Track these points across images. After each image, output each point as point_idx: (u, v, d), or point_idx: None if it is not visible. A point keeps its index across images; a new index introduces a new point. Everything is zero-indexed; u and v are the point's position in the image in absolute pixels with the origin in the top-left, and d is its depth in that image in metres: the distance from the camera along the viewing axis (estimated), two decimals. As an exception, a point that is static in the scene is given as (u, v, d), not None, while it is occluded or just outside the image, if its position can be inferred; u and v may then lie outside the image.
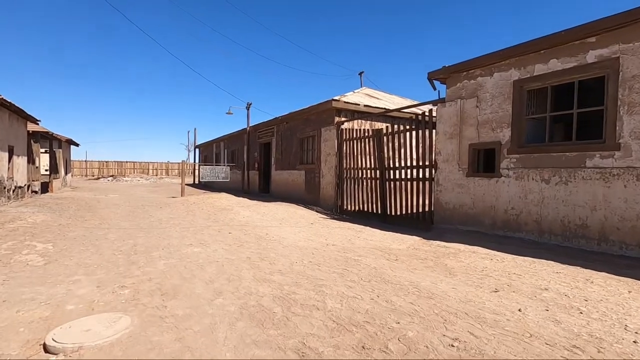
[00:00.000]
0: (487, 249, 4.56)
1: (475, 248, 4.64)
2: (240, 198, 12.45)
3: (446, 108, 6.33)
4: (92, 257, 4.39)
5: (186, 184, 19.12)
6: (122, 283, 3.38)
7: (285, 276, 3.35)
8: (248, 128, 15.64)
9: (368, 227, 6.58)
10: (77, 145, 20.91)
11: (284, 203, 10.54)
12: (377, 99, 12.17)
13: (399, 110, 9.03)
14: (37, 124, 12.41)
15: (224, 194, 13.87)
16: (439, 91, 6.64)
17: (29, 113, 10.60)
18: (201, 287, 3.11)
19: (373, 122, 10.22)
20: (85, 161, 41.42)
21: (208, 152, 24.63)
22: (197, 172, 25.69)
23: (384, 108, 10.44)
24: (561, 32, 4.63)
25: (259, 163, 15.04)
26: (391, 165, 7.86)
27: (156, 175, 42.77)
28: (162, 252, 4.54)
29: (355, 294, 2.79)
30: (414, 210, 7.16)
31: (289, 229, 6.31)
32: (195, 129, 25.57)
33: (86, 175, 39.90)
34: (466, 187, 5.94)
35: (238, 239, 5.37)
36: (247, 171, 15.81)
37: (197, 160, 26.41)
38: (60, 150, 17.73)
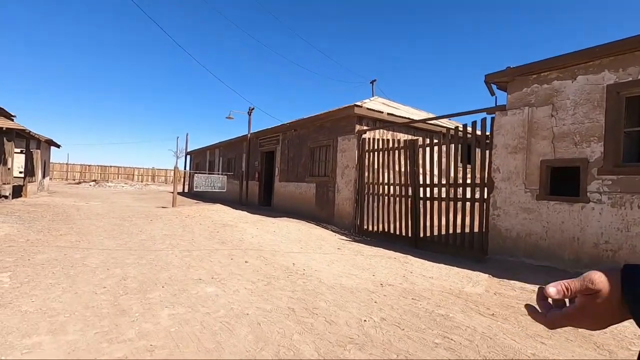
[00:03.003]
0: (595, 298, 3.48)
1: (579, 296, 3.55)
2: (240, 211, 11.16)
3: (508, 117, 5.33)
4: (63, 298, 3.11)
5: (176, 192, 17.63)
6: (107, 355, 2.15)
7: (367, 352, 2.17)
8: (249, 135, 14.44)
9: (410, 256, 5.44)
10: (58, 146, 19.26)
11: (292, 219, 9.32)
12: (396, 108, 11.21)
13: (431, 120, 8.06)
14: (12, 120, 10.95)
15: (220, 206, 12.55)
16: (496, 98, 5.65)
17: (1, 106, 9.20)
18: (241, 376, 1.90)
19: (395, 133, 9.21)
20: (67, 164, 39.22)
21: (200, 160, 23.22)
22: (187, 180, 24.19)
23: (408, 118, 9.46)
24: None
25: (259, 173, 13.81)
26: (427, 182, 6.79)
27: (141, 182, 40.81)
28: (164, 293, 3.29)
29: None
30: (456, 235, 6.08)
31: (317, 257, 5.12)
32: (187, 135, 24.18)
33: (66, 179, 37.71)
34: (536, 213, 4.90)
35: (260, 271, 4.15)
36: (246, 181, 14.53)
37: (188, 168, 24.93)
38: (39, 151, 16.12)
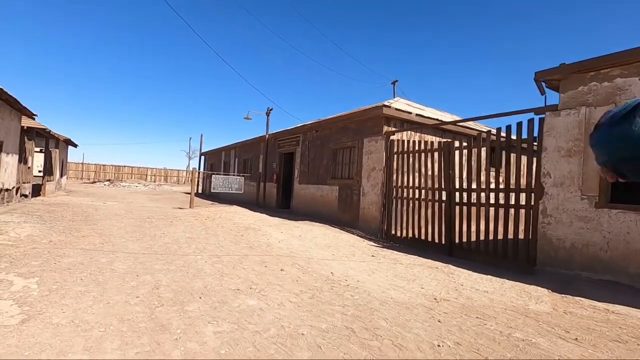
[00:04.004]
0: (684, 321, 3.08)
1: (664, 318, 3.15)
2: (259, 214, 10.92)
3: (561, 118, 4.94)
4: (95, 309, 2.85)
5: (189, 193, 17.34)
6: (156, 385, 1.86)
7: (459, 389, 1.84)
8: (267, 135, 14.21)
9: (451, 266, 5.08)
10: (75, 146, 19.36)
11: (315, 223, 9.01)
12: (420, 109, 10.83)
13: (465, 121, 7.66)
14: (34, 119, 10.91)
15: (237, 208, 12.34)
16: (545, 97, 5.27)
17: (24, 105, 9.12)
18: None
19: (423, 135, 8.84)
20: (82, 163, 39.70)
21: (215, 161, 23.14)
22: (202, 180, 24.12)
23: (437, 119, 9.09)
24: None
25: (278, 175, 13.56)
26: (463, 186, 6.42)
27: (154, 182, 41.08)
28: (202, 305, 3.01)
29: None
30: (496, 243, 5.69)
31: (354, 265, 4.80)
32: (201, 135, 24.16)
33: (81, 178, 38.16)
34: (595, 222, 4.49)
35: (300, 281, 3.85)
36: (264, 183, 14.30)
37: (202, 169, 24.89)
38: (57, 150, 16.18)
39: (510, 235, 5.54)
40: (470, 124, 10.15)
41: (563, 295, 3.82)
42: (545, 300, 3.62)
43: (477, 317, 2.98)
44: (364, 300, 3.25)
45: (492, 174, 5.95)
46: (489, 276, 4.57)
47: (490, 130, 6.11)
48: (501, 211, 5.80)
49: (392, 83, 15.60)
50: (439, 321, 2.82)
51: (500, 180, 5.88)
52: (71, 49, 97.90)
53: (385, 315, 2.87)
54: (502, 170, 5.79)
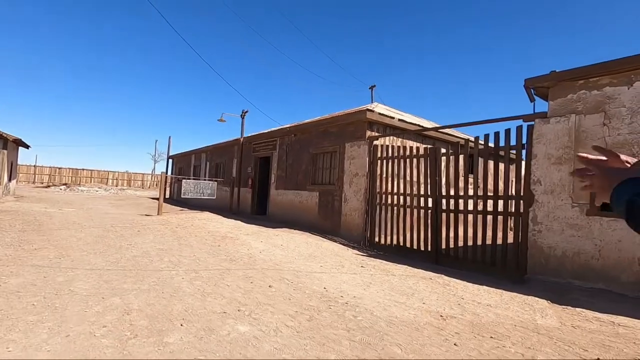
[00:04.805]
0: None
1: (670, 330, 3.09)
2: (234, 221, 10.37)
3: (550, 125, 4.93)
4: (51, 345, 2.35)
5: (156, 198, 16.32)
6: None
7: None
8: (242, 139, 13.65)
9: (444, 276, 4.90)
10: (27, 147, 17.73)
11: (294, 231, 8.65)
12: (400, 114, 10.80)
13: (451, 127, 7.61)
14: (-23, 116, 9.72)
15: (209, 214, 11.71)
16: (534, 104, 5.27)
17: (-34, 99, 8.06)
18: None
19: (404, 140, 8.75)
20: (34, 166, 36.73)
21: (184, 164, 22.09)
22: (170, 185, 22.93)
23: (420, 125, 9.04)
24: None
25: (253, 180, 13.03)
26: (450, 193, 6.32)
27: (116, 186, 38.85)
28: (185, 335, 2.57)
29: None
30: (485, 250, 5.61)
31: (346, 278, 4.48)
32: (169, 138, 23.03)
33: (34, 182, 35.28)
34: (586, 230, 4.48)
35: (292, 300, 3.48)
36: (238, 188, 13.70)
37: (169, 173, 23.70)
38: (5, 151, 14.68)
39: (503, 242, 5.47)
40: (452, 131, 10.25)
41: (564, 306, 3.72)
42: (549, 313, 3.48)
43: (491, 337, 2.76)
44: (368, 322, 2.94)
45: (480, 181, 5.89)
46: (486, 287, 4.42)
47: (477, 137, 6.07)
48: (489, 218, 5.75)
49: (370, 88, 15.56)
50: (455, 344, 2.56)
51: (489, 187, 5.82)
52: (25, 41, 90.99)
53: (397, 340, 2.58)
54: (491, 177, 5.73)
